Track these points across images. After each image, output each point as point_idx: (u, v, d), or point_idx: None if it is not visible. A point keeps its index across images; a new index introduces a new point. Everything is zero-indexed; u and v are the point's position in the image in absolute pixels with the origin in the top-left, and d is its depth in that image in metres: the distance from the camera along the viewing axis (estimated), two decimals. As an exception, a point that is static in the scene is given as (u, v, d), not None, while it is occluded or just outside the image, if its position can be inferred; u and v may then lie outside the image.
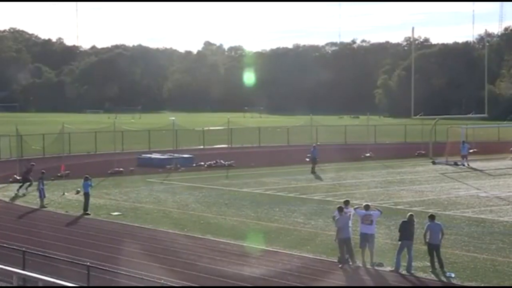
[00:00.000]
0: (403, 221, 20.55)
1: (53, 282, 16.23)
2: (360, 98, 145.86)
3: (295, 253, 22.04)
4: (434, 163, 49.40)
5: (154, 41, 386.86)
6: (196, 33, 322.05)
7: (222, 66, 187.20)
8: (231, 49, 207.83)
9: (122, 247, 22.86)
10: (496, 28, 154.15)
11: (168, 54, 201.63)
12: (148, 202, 32.94)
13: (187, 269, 20.15)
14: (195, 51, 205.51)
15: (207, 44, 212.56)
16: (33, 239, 24.22)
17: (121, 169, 45.00)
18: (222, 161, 49.20)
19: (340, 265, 20.50)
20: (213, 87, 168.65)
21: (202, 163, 48.61)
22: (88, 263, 16.89)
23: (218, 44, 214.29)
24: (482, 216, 28.39)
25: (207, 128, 69.84)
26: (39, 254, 19.88)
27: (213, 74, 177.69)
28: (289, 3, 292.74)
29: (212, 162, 48.85)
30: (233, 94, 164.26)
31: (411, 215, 20.66)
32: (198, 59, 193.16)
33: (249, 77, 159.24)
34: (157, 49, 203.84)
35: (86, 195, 30.32)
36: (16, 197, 34.91)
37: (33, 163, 38.80)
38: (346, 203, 21.68)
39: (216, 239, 24.19)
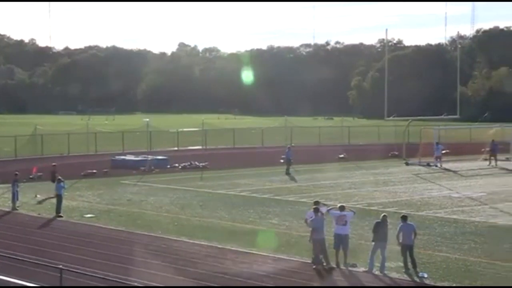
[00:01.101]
0: (377, 222, 20.69)
1: (25, 286, 16.07)
2: (334, 99, 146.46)
3: (270, 254, 22.07)
4: (407, 164, 49.76)
5: (128, 42, 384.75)
6: (171, 35, 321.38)
7: (197, 67, 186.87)
8: (205, 50, 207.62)
9: (95, 250, 22.74)
10: (468, 30, 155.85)
11: (142, 55, 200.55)
12: (122, 204, 32.77)
13: (160, 271, 20.08)
14: (169, 53, 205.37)
15: (182, 45, 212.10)
16: (4, 242, 23.96)
17: (94, 171, 44.73)
18: (196, 162, 49.13)
19: (314, 266, 20.56)
20: (188, 89, 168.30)
21: (177, 165, 48.48)
22: (61, 266, 16.76)
23: (192, 45, 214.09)
24: (454, 217, 28.66)
25: (181, 129, 69.71)
26: (11, 257, 19.66)
27: (188, 76, 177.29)
28: (264, 4, 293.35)
29: (186, 164, 48.75)
30: (208, 96, 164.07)
31: (384, 215, 20.81)
32: (173, 60, 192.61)
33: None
34: (131, 50, 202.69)
35: (59, 197, 30.07)
36: (42, 201, 33.60)
37: (55, 164, 38.26)
38: (317, 203, 21.77)
39: (191, 241, 24.14)
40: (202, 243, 23.82)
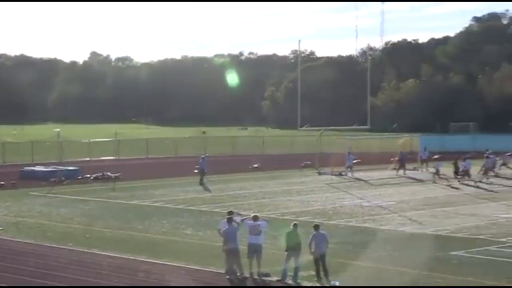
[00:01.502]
0: (289, 231, 20.87)
1: None
2: (248, 109, 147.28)
3: (182, 265, 21.92)
4: (319, 173, 50.48)
5: (38, 51, 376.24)
6: (82, 43, 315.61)
7: (109, 76, 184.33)
8: (118, 59, 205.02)
9: (2, 263, 22.01)
10: (378, 42, 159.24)
11: (53, 64, 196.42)
12: (31, 216, 31.89)
13: (71, 284, 19.62)
14: (81, 62, 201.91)
15: (94, 54, 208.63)
16: None
17: (2, 182, 43.43)
18: (109, 173, 48.38)
19: (227, 276, 20.55)
20: (100, 98, 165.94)
21: (89, 176, 47.61)
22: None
23: (105, 54, 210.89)
24: (365, 225, 29.26)
25: (93, 139, 68.54)
26: None
27: (100, 85, 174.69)
28: (178, 14, 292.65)
29: (98, 174, 47.94)
30: (121, 105, 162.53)
31: (295, 224, 21.02)
32: (85, 69, 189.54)
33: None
34: (41, 59, 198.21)
35: (-36, 210, 29.04)
36: None
37: None
38: (231, 213, 21.83)
39: (103, 253, 23.71)
40: (115, 255, 23.43)
